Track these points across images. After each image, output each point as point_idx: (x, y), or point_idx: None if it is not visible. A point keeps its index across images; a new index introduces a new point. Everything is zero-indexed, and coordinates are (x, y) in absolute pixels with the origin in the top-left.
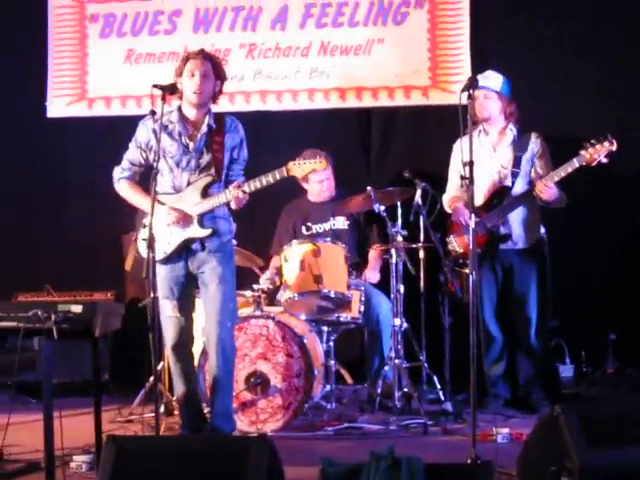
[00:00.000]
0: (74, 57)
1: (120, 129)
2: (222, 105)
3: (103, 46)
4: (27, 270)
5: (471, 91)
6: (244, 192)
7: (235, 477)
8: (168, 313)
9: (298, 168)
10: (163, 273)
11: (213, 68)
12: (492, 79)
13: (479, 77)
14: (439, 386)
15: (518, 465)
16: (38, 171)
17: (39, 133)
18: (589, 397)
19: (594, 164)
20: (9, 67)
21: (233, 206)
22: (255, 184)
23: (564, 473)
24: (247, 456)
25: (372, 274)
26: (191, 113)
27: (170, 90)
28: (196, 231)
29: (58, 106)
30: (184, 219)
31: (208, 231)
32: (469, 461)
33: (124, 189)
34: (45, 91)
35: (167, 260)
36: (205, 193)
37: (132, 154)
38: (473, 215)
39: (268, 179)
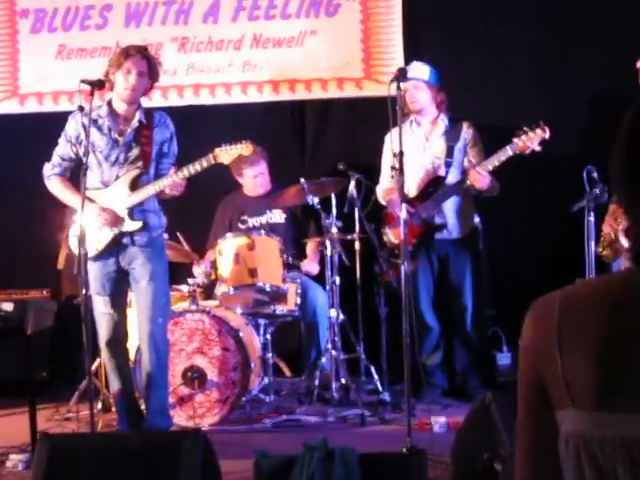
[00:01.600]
0: (5, 53)
1: (52, 125)
2: (155, 100)
3: (34, 42)
4: None
5: (400, 82)
6: (182, 177)
7: (169, 472)
8: (101, 309)
9: (225, 154)
10: (95, 270)
11: (149, 68)
12: (419, 70)
13: (407, 68)
14: (376, 377)
15: (452, 453)
16: None
17: None
18: None
19: (527, 152)
20: None
21: (168, 191)
22: (184, 172)
23: (496, 460)
24: (180, 451)
25: (311, 266)
26: (121, 108)
27: (98, 85)
28: (126, 224)
29: None
30: (115, 219)
31: (139, 224)
32: (404, 450)
33: (55, 186)
34: None
35: (98, 257)
36: (134, 186)
37: (62, 149)
38: (403, 205)
39: (196, 167)
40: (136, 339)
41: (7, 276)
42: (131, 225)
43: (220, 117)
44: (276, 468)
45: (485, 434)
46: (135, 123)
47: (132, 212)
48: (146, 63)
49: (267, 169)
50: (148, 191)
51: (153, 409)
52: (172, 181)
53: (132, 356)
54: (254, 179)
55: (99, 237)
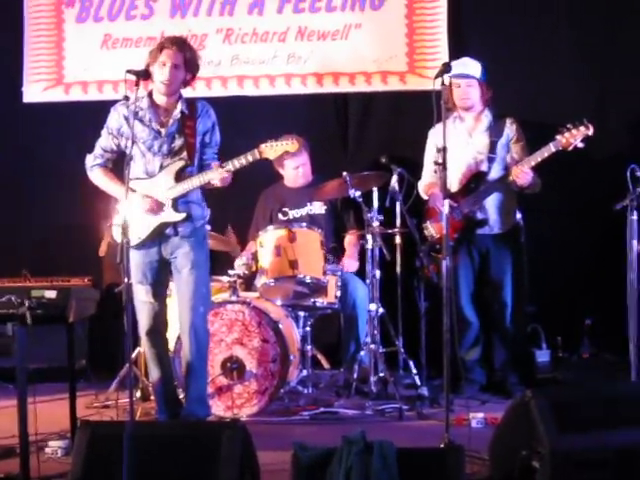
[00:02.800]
0: (50, 42)
1: (97, 114)
2: (199, 90)
3: (80, 31)
4: (5, 256)
5: (445, 77)
6: (228, 171)
7: (208, 462)
8: (142, 298)
9: (270, 150)
10: (136, 258)
11: (185, 60)
12: (472, 66)
13: (458, 64)
14: (415, 371)
15: (490, 450)
16: (15, 157)
17: (16, 118)
18: (564, 382)
19: (570, 149)
20: None
21: (219, 184)
22: (229, 166)
23: (535, 458)
24: (220, 441)
25: (350, 262)
26: (161, 100)
27: (143, 75)
28: (170, 215)
29: (34, 91)
30: (157, 206)
31: (182, 215)
32: (442, 445)
33: (97, 177)
34: (21, 76)
35: (141, 246)
36: (179, 177)
37: (104, 141)
38: (446, 200)
39: (241, 161)
40: (176, 329)
41: (49, 264)
42: (174, 216)
43: (263, 109)
44: (314, 460)
45: (524, 431)
46: (177, 114)
47: (176, 203)
48: (182, 55)
49: (309, 160)
50: (193, 183)
51: (192, 398)
52: (218, 174)
53: (172, 346)
54: (295, 170)
55: (142, 226)
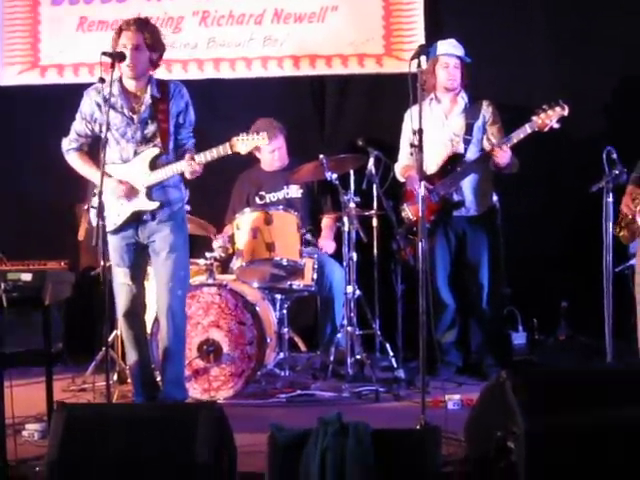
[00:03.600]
0: (26, 25)
1: (73, 97)
2: (176, 73)
3: (55, 13)
4: None
5: (423, 58)
6: (198, 163)
7: (184, 444)
8: (120, 280)
9: (242, 144)
10: (114, 242)
11: (146, 39)
12: (460, 48)
13: (446, 44)
14: (392, 353)
15: (466, 431)
16: None
17: None
18: (540, 364)
19: (546, 129)
20: None
21: (188, 176)
22: (200, 159)
23: (510, 438)
24: (196, 423)
25: (327, 243)
26: (130, 84)
27: (119, 57)
28: (144, 203)
29: (10, 74)
30: (131, 191)
31: (155, 204)
32: (418, 427)
33: (73, 160)
34: None
35: (117, 230)
36: (153, 165)
37: (78, 125)
38: (422, 182)
39: (212, 154)
40: (153, 312)
41: (25, 247)
42: (148, 204)
43: (240, 91)
44: (291, 441)
45: (499, 412)
46: (148, 99)
47: (150, 191)
48: (141, 36)
49: (285, 144)
50: (166, 172)
51: (169, 381)
52: (189, 167)
53: (149, 329)
54: (271, 154)
55: (118, 212)
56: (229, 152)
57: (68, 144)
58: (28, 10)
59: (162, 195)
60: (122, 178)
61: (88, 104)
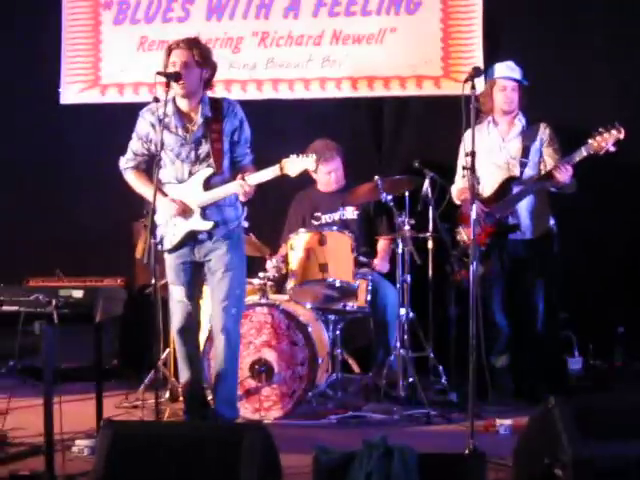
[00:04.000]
0: (88, 44)
1: (133, 116)
2: (235, 93)
3: (116, 33)
4: (40, 255)
5: (479, 80)
6: (249, 185)
7: (228, 464)
8: (176, 298)
9: (291, 166)
10: (170, 260)
11: (195, 56)
12: (517, 70)
13: (505, 67)
14: (444, 377)
15: (514, 457)
16: (51, 157)
17: (52, 119)
18: (595, 390)
19: (602, 152)
20: (24, 52)
21: (242, 199)
22: (251, 180)
23: (557, 465)
24: (241, 443)
25: (381, 263)
26: (183, 104)
27: (174, 78)
28: (198, 224)
29: (71, 92)
30: (186, 211)
31: (210, 224)
32: (467, 452)
33: (130, 179)
34: (59, 77)
35: (174, 249)
36: (207, 185)
37: (134, 145)
38: (474, 205)
39: (263, 176)
40: (206, 330)
41: (83, 264)
42: (203, 225)
43: (298, 112)
44: (335, 463)
45: (547, 439)
46: (200, 119)
47: (204, 211)
48: (190, 53)
49: (342, 165)
50: (218, 193)
51: (221, 399)
52: (240, 188)
53: (202, 348)
54: (328, 175)
55: (174, 232)
56: (279, 174)
57: (125, 163)
58: (90, 29)
59: (217, 214)
60: (177, 198)
61: (143, 125)
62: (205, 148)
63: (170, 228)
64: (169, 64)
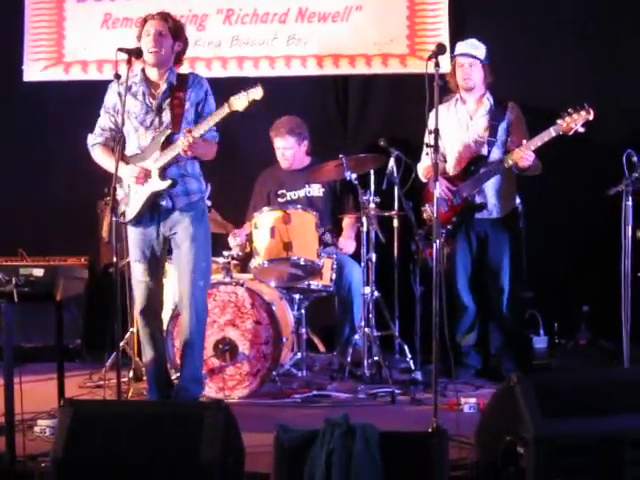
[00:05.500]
0: (51, 21)
1: (96, 94)
2: (199, 70)
3: (80, 10)
4: (4, 235)
5: (443, 58)
6: (194, 137)
7: (189, 442)
8: (138, 277)
9: (238, 101)
10: (135, 235)
11: (171, 28)
12: (477, 47)
13: (463, 44)
14: (410, 355)
15: (476, 435)
16: (14, 135)
17: (15, 97)
18: (559, 369)
19: (571, 133)
20: None
21: (188, 153)
22: (203, 126)
23: (519, 443)
24: (202, 422)
25: (347, 243)
26: (152, 73)
27: (135, 54)
28: (156, 184)
29: (34, 70)
30: (145, 175)
31: (167, 182)
32: (430, 430)
33: (97, 155)
34: (21, 55)
35: (138, 222)
36: (165, 147)
37: (102, 120)
38: (438, 182)
39: (214, 118)
40: (169, 310)
41: (48, 243)
42: (160, 184)
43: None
44: (296, 442)
45: (509, 416)
46: (164, 85)
47: (163, 173)
48: (165, 23)
49: (298, 146)
50: (172, 151)
51: (187, 375)
52: (183, 137)
53: (165, 327)
54: (278, 150)
55: (135, 200)
56: (227, 111)
57: (93, 139)
58: (53, 6)
59: (181, 184)
60: (139, 164)
61: (111, 96)
62: (168, 114)
63: (132, 198)
64: (143, 31)
